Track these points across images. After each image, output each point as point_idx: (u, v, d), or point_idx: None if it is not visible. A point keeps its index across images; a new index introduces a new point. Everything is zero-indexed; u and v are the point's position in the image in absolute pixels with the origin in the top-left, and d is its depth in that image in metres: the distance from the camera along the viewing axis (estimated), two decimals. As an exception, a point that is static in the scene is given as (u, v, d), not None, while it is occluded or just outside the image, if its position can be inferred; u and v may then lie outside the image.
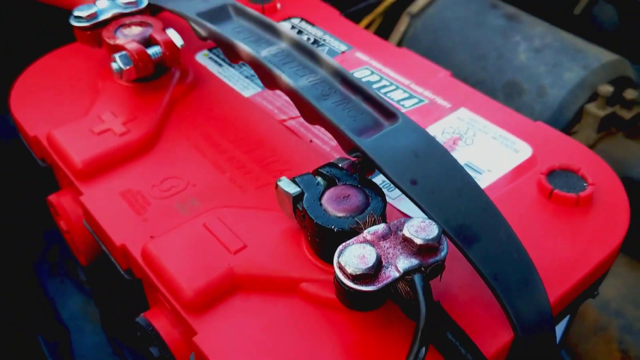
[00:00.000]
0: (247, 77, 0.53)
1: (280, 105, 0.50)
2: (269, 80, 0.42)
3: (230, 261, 0.36)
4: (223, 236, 0.38)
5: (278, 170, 0.44)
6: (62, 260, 0.80)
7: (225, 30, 0.46)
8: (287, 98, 0.50)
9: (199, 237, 0.38)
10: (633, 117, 0.70)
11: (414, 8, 0.81)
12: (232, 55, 0.45)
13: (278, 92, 0.51)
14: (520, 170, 0.44)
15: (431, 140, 0.37)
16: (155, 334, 0.38)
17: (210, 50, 0.57)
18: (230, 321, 0.35)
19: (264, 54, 0.43)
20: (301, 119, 0.48)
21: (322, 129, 0.47)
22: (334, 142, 0.46)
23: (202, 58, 0.56)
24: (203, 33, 0.48)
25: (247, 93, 0.52)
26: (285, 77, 0.40)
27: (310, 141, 0.47)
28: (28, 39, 0.69)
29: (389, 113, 0.39)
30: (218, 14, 0.48)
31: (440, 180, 0.35)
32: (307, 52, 0.43)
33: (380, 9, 0.82)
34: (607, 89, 0.66)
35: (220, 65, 0.55)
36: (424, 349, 0.29)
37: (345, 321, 0.35)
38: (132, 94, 0.50)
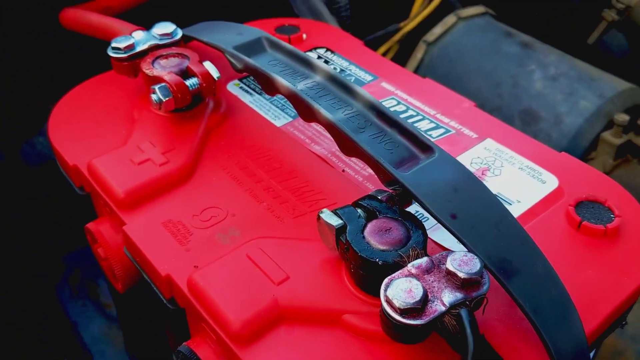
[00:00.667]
0: (278, 107, 0.55)
1: (311, 135, 0.52)
2: (306, 112, 0.44)
3: (274, 292, 0.38)
4: (266, 267, 0.39)
5: (313, 200, 0.45)
6: (84, 283, 0.81)
7: (262, 64, 0.47)
8: (319, 127, 0.52)
9: (243, 267, 0.39)
10: (647, 145, 0.71)
11: (431, 37, 0.83)
12: (269, 88, 0.46)
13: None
14: (548, 201, 0.46)
15: (469, 175, 0.38)
16: (199, 363, 0.39)
17: (240, 80, 0.58)
18: (276, 352, 0.36)
19: (300, 87, 0.45)
20: (334, 149, 0.50)
21: (354, 159, 0.49)
22: (366, 172, 0.48)
23: (233, 87, 0.57)
24: (239, 65, 0.49)
25: (278, 123, 0.53)
26: (323, 110, 0.42)
27: (343, 171, 0.48)
28: (62, 67, 0.71)
29: (425, 146, 0.40)
30: (253, 47, 0.50)
31: (479, 214, 0.37)
32: (342, 85, 0.45)
33: (397, 37, 0.84)
34: (623, 118, 0.68)
35: (251, 94, 0.56)
36: (472, 381, 0.30)
37: (389, 353, 0.36)
38: (168, 123, 0.51)
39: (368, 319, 0.36)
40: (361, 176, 0.48)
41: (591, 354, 0.46)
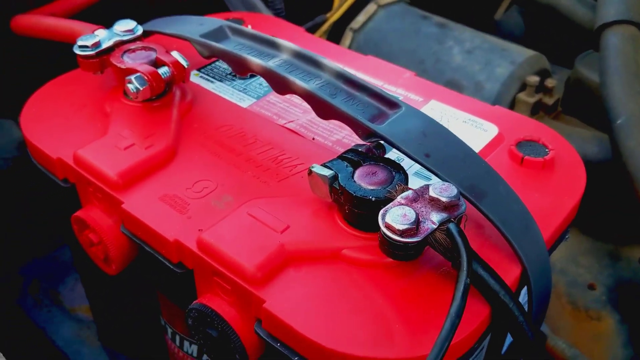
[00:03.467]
0: (240, 90, 0.59)
1: (277, 112, 0.57)
2: (282, 86, 0.49)
3: (279, 239, 0.42)
4: (267, 220, 0.44)
5: (292, 165, 0.50)
6: (46, 291, 0.81)
7: (231, 48, 0.52)
8: (283, 104, 0.57)
9: (246, 223, 0.44)
10: (554, 103, 0.82)
11: (356, 24, 0.90)
12: (242, 68, 0.51)
13: (272, 100, 0.58)
14: (492, 145, 0.53)
15: (433, 121, 0.45)
16: (214, 314, 0.43)
17: (199, 70, 0.62)
18: (290, 287, 0.40)
19: (271, 64, 0.50)
20: (300, 121, 0.55)
21: (320, 128, 0.54)
22: (334, 138, 0.54)
23: (194, 77, 0.61)
24: (206, 52, 0.54)
25: (244, 104, 0.58)
26: (299, 81, 0.47)
27: (313, 139, 0.53)
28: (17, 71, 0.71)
29: (392, 103, 0.46)
30: (217, 35, 0.54)
31: (448, 152, 0.43)
32: (308, 59, 0.50)
33: (325, 26, 0.90)
34: (534, 79, 0.77)
35: (212, 82, 0.61)
36: (469, 279, 0.36)
37: (385, 275, 0.41)
38: (142, 112, 0.54)
39: (364, 250, 0.42)
40: (330, 141, 0.53)
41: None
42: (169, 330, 0.56)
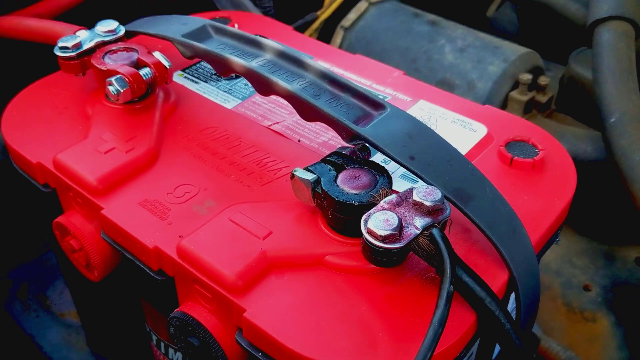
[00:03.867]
0: (225, 91, 0.58)
1: (262, 113, 0.55)
2: (265, 86, 0.47)
3: (261, 246, 0.41)
4: (249, 226, 0.43)
5: (277, 168, 0.49)
6: (35, 296, 0.80)
7: (213, 48, 0.51)
8: (268, 106, 0.56)
9: (227, 229, 0.42)
10: (547, 100, 0.81)
11: (347, 22, 0.89)
12: (224, 69, 0.50)
13: (258, 100, 0.57)
14: (481, 146, 0.52)
15: (418, 123, 0.44)
16: (195, 323, 0.42)
17: (184, 70, 0.61)
18: (271, 296, 0.39)
19: (253, 64, 0.49)
20: (286, 122, 0.54)
21: (306, 130, 0.53)
22: (320, 140, 0.52)
23: (178, 78, 0.60)
24: (188, 53, 0.52)
25: (229, 105, 0.56)
26: (281, 82, 0.46)
27: (299, 141, 0.52)
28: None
29: (376, 104, 0.45)
30: (200, 34, 0.53)
31: (433, 154, 0.42)
32: (292, 59, 0.49)
33: (316, 24, 0.89)
34: (527, 77, 0.76)
35: (197, 82, 0.59)
36: (452, 286, 0.35)
37: (369, 282, 0.40)
38: (124, 115, 0.53)
39: (348, 256, 0.41)
40: (316, 143, 0.52)
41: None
42: (154, 337, 0.55)
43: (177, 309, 0.43)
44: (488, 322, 0.38)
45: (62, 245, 0.52)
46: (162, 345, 0.54)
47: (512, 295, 0.43)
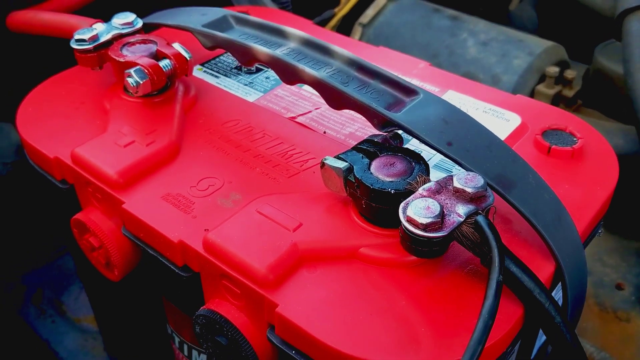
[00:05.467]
0: (245, 84, 0.56)
1: (285, 106, 0.53)
2: (290, 75, 0.45)
3: (292, 238, 0.39)
4: (278, 218, 0.40)
5: (303, 160, 0.47)
6: (50, 301, 0.78)
7: (235, 37, 0.49)
8: (291, 98, 0.54)
9: (255, 221, 0.40)
10: (574, 95, 0.78)
11: (365, 19, 0.87)
12: (247, 58, 0.48)
13: (280, 93, 0.55)
14: (516, 135, 0.50)
15: (454, 108, 0.42)
16: (223, 321, 0.40)
17: (203, 64, 0.59)
18: (304, 290, 0.37)
19: (278, 52, 0.47)
20: (310, 114, 0.52)
21: (332, 121, 0.51)
22: (346, 131, 0.50)
23: (198, 72, 0.58)
24: (209, 43, 0.51)
25: (250, 98, 0.55)
26: (309, 70, 0.44)
27: (324, 132, 0.50)
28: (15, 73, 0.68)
29: (408, 90, 0.43)
30: (221, 25, 0.51)
31: (471, 140, 0.40)
32: (318, 47, 0.47)
33: (333, 22, 0.87)
34: (554, 70, 0.74)
35: (216, 77, 0.58)
36: (501, 276, 0.33)
37: (407, 275, 0.38)
38: (143, 108, 0.51)
39: (384, 248, 0.39)
40: (342, 135, 0.50)
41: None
42: (176, 339, 0.53)
43: (204, 307, 0.41)
44: (537, 315, 0.35)
45: (81, 244, 0.50)
46: (185, 347, 0.52)
47: (557, 287, 0.41)
